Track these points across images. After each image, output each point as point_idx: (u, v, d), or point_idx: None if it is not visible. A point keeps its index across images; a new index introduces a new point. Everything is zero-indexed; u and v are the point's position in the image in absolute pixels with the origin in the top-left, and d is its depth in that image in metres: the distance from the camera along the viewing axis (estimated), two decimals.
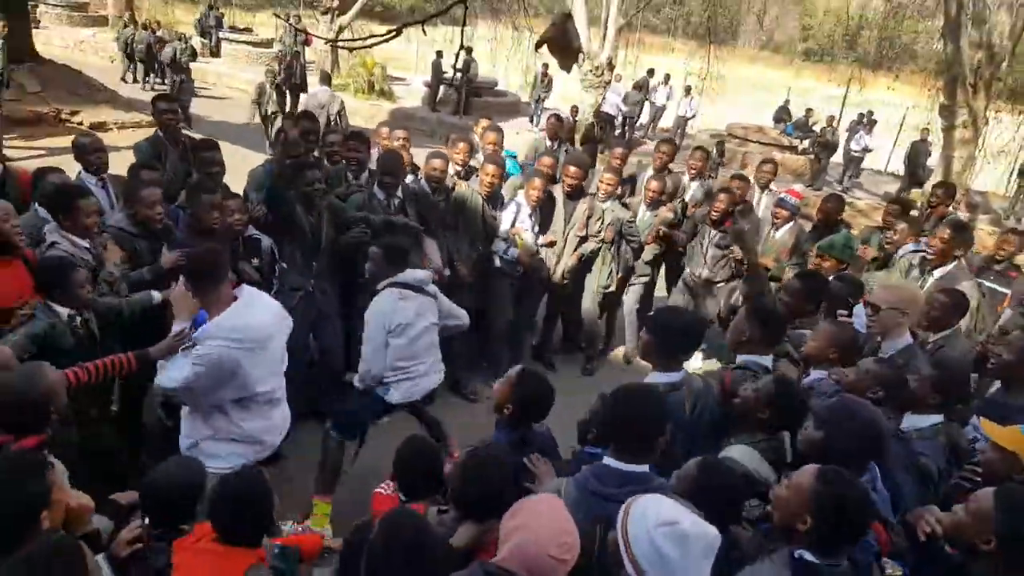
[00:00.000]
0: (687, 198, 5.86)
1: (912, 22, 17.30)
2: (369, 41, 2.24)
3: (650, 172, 5.91)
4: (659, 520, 1.61)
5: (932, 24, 15.80)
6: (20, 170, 4.23)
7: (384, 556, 1.70)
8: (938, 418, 2.67)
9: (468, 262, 4.94)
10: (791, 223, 5.12)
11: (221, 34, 19.41)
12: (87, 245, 3.27)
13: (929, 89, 14.99)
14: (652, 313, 2.90)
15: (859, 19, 18.17)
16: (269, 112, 10.21)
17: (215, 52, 18.71)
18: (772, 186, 6.20)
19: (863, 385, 2.64)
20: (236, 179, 4.58)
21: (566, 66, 13.25)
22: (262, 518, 2.05)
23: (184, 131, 4.95)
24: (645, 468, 1.98)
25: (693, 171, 6.10)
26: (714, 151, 11.09)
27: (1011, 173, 14.08)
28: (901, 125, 16.32)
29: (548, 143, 6.44)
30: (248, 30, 22.08)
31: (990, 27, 11.44)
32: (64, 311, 2.91)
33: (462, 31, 2.45)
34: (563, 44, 12.72)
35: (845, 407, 2.23)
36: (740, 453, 2.34)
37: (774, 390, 2.39)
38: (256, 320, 2.72)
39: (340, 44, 13.57)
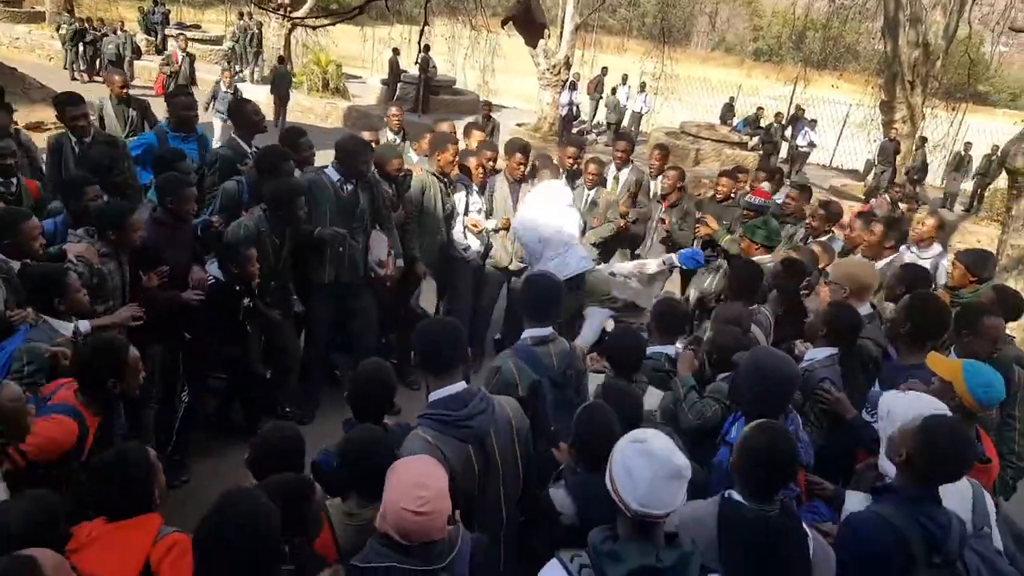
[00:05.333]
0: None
1: (855, 23, 17.95)
2: (331, 19, 2.13)
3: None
4: (632, 437, 1.74)
5: (873, 25, 16.43)
6: None
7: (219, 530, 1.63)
8: (833, 350, 3.04)
9: (430, 253, 4.90)
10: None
11: (167, 31, 18.85)
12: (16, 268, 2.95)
13: (871, 87, 15.61)
14: (525, 277, 3.01)
15: (805, 20, 18.75)
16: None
17: (160, 49, 18.14)
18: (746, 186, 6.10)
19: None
20: None
21: (532, 43, 13.29)
22: (144, 488, 1.96)
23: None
24: (462, 384, 2.17)
25: (653, 168, 6.13)
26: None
27: (945, 167, 14.77)
28: (845, 121, 16.95)
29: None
30: (196, 26, 21.47)
31: (926, 26, 12.00)
32: (69, 328, 2.68)
33: (422, 30, 2.41)
34: (528, 21, 12.71)
35: (758, 356, 2.48)
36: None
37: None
38: None
39: (299, 20, 13.09)
